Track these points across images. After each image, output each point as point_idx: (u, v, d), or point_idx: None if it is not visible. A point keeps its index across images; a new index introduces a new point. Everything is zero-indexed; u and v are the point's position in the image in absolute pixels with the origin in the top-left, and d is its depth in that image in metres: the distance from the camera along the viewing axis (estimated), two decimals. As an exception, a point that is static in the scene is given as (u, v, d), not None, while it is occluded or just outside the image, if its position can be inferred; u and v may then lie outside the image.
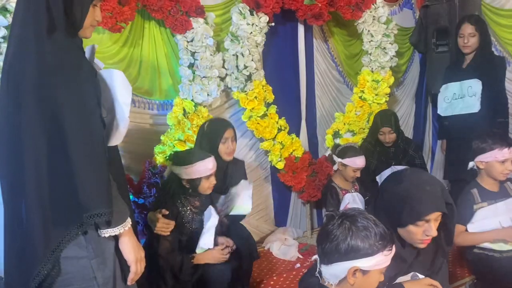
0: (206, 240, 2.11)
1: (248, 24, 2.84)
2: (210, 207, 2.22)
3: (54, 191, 1.20)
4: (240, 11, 2.84)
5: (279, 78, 3.28)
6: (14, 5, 2.13)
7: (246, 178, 2.56)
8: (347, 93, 3.68)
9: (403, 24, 3.90)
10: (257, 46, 2.93)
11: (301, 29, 3.27)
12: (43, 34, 1.17)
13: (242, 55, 2.87)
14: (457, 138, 3.04)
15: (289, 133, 3.22)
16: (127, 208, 1.33)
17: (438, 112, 3.21)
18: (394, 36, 3.46)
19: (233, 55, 2.87)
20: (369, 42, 3.37)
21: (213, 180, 2.19)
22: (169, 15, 2.57)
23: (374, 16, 3.32)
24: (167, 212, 2.08)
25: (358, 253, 1.20)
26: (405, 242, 1.59)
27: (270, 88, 3.09)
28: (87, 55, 1.37)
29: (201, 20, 2.68)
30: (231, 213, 2.40)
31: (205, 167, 2.13)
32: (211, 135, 2.42)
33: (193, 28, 2.66)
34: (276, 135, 3.13)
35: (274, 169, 3.29)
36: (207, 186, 2.17)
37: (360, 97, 3.44)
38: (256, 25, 2.88)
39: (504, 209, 2.19)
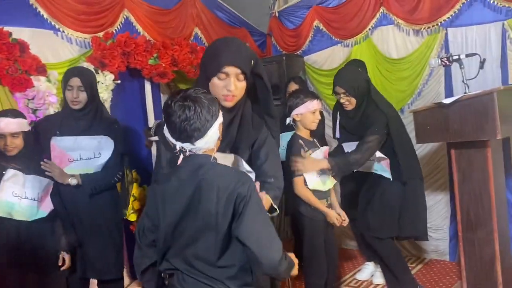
0: None
1: (93, 82, 2.93)
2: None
3: None
4: (85, 69, 2.93)
5: (128, 131, 3.39)
6: None
7: (112, 136, 2.54)
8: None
9: (243, 80, 4.37)
10: (104, 102, 3.03)
11: (147, 86, 3.48)
12: None
13: (89, 111, 2.93)
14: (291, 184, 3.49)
15: (141, 184, 3.32)
16: None
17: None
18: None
19: (79, 111, 2.91)
20: (212, 97, 3.71)
21: (8, 142, 2.19)
22: (7, 74, 2.54)
23: (215, 74, 3.70)
24: None
25: (216, 115, 1.42)
26: None
27: (120, 142, 3.18)
28: None
29: (42, 78, 2.70)
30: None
31: None
32: (62, 82, 2.46)
33: (34, 86, 2.66)
34: (127, 187, 3.20)
35: (127, 222, 3.32)
36: (1, 145, 2.20)
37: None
38: (102, 83, 2.99)
39: (321, 156, 2.61)
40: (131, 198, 3.23)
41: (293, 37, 4.44)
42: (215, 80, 1.62)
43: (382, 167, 2.93)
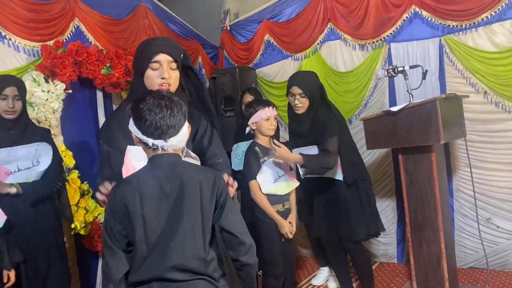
0: None
1: (43, 91, 2.84)
2: None
3: None
4: (34, 78, 2.83)
5: (79, 143, 3.30)
6: None
7: (50, 143, 2.51)
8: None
9: (196, 92, 4.39)
10: (54, 113, 2.93)
11: (99, 95, 3.40)
12: None
13: (38, 121, 2.82)
14: (248, 189, 3.54)
15: (93, 197, 3.22)
16: None
17: (232, 167, 3.69)
18: (188, 103, 3.88)
19: (28, 121, 2.80)
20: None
21: None
22: (-51, 81, 2.40)
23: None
24: None
25: (186, 116, 1.47)
26: None
27: (70, 153, 3.08)
28: None
29: (-12, 86, 2.57)
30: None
31: None
32: None
33: (-21, 94, 2.52)
34: (79, 200, 3.09)
35: (78, 236, 3.20)
36: None
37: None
38: (52, 92, 2.89)
39: (277, 162, 2.70)
40: (83, 211, 3.11)
41: (244, 50, 4.53)
42: (148, 72, 1.66)
43: (334, 171, 3.04)
